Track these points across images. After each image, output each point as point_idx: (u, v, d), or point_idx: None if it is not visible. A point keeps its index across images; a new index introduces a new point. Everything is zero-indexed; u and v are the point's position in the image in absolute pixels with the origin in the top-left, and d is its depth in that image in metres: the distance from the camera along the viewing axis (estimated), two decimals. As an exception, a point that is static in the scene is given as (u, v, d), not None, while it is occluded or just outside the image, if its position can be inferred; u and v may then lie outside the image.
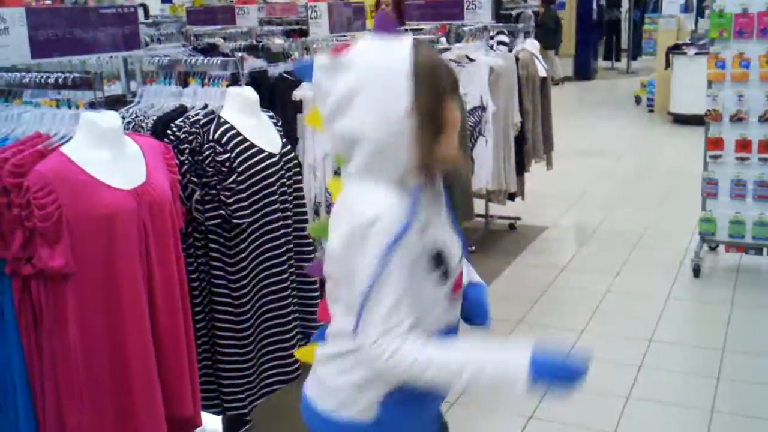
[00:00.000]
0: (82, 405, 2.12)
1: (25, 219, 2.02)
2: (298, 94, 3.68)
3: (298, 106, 3.69)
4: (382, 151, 1.51)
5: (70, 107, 2.22)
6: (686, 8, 11.83)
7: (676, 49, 10.45)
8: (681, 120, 9.92)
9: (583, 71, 15.20)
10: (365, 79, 1.50)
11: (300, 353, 1.83)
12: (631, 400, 3.46)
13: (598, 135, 9.90)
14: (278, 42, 5.62)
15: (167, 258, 2.27)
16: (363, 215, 1.50)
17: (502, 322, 4.07)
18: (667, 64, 10.67)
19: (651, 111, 11.37)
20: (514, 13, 11.19)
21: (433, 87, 1.52)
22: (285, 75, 3.76)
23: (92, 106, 2.22)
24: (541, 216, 6.16)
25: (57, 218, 2.01)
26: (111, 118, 2.20)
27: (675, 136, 9.45)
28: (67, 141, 2.14)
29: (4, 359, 2.15)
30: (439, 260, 1.58)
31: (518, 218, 6.01)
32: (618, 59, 17.11)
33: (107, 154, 2.15)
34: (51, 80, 2.24)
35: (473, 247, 5.30)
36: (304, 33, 6.07)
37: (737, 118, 4.86)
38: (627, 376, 3.66)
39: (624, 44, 17.09)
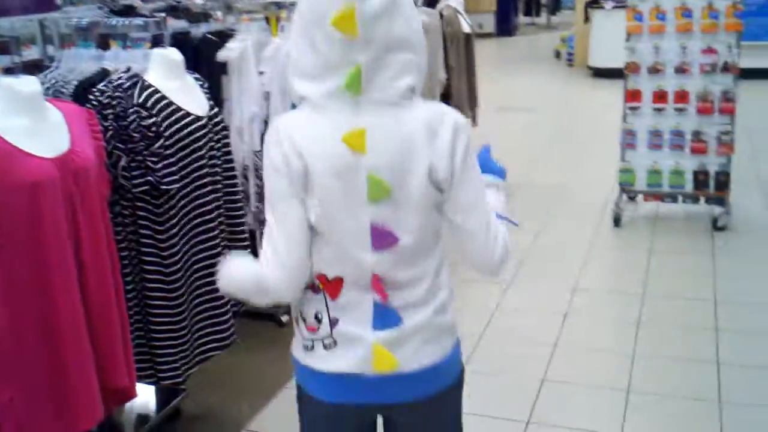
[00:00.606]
0: (14, 380, 2.08)
1: (-57, 191, 1.95)
2: (222, 55, 3.61)
3: (223, 68, 3.63)
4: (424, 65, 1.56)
5: (-15, 74, 2.14)
6: (604, -38, 11.99)
7: (594, 3, 10.65)
8: (600, 74, 10.16)
9: (504, 27, 15.35)
10: None
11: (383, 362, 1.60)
12: (558, 349, 3.59)
13: (519, 90, 10.06)
14: (198, 2, 5.48)
15: (95, 227, 2.22)
16: (465, 127, 1.56)
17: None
18: (586, 19, 10.87)
19: (570, 65, 11.61)
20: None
21: None
22: (209, 36, 3.68)
23: (9, 71, 2.14)
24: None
25: (-23, 189, 1.95)
26: (30, 83, 2.12)
27: (594, 89, 9.67)
28: (-17, 110, 2.06)
29: (-71, 336, 2.09)
30: None
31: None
32: (538, 14, 17.33)
33: (27, 121, 2.07)
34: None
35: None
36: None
37: (654, 70, 5.01)
38: (552, 325, 3.79)
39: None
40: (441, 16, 5.34)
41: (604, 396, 3.22)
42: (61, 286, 2.11)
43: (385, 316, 1.58)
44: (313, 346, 1.63)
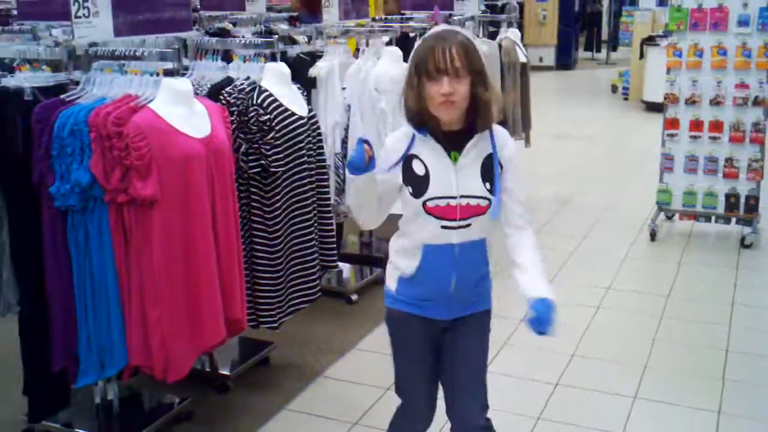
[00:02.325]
0: (162, 303, 2.77)
1: (123, 158, 2.66)
2: (312, 72, 4.32)
3: (312, 82, 4.34)
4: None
5: (151, 75, 2.87)
6: (661, 2, 12.50)
7: (650, 40, 11.15)
8: (653, 107, 10.61)
9: (564, 61, 15.89)
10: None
11: None
12: (588, 333, 4.16)
13: (576, 120, 10.61)
14: (283, 27, 6.23)
15: (225, 194, 2.92)
16: None
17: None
18: (642, 55, 11.37)
19: (626, 99, 12.09)
20: (499, 3, 11.81)
21: (415, 68, 2.17)
22: (302, 55, 4.40)
23: (169, 73, 2.86)
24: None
25: (148, 158, 2.66)
26: (185, 83, 2.85)
27: (645, 122, 10.17)
28: (152, 100, 2.78)
29: (101, 269, 2.79)
30: (411, 179, 2.20)
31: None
32: (598, 50, 17.81)
33: (183, 110, 2.79)
34: (138, 53, 2.88)
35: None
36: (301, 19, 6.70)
37: (691, 101, 5.57)
38: (586, 314, 4.37)
39: (604, 36, 17.80)
40: (500, 46, 6.00)
41: (626, 370, 3.78)
42: (200, 234, 2.81)
43: None
44: None
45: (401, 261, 2.31)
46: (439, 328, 2.35)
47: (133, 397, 3.45)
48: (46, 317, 2.87)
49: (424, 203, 2.21)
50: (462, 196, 2.21)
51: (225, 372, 3.62)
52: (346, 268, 4.83)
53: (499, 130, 2.28)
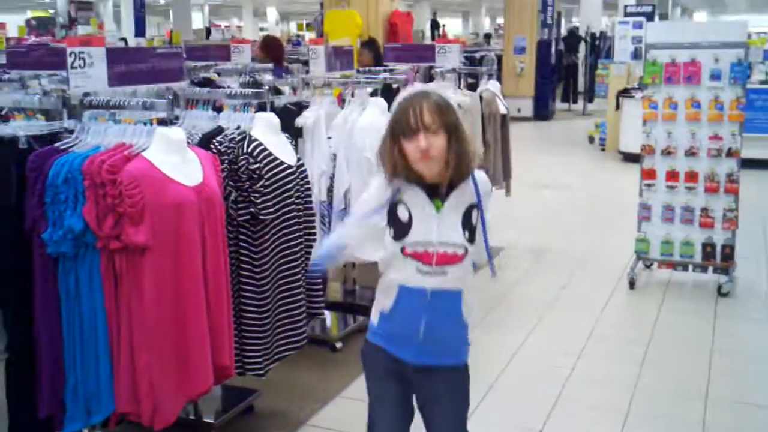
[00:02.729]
0: (151, 349, 2.80)
1: (117, 206, 2.71)
2: (299, 121, 4.41)
3: (299, 131, 4.42)
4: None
5: (145, 124, 2.93)
6: (635, 55, 12.85)
7: (625, 92, 11.43)
8: (629, 158, 10.83)
9: (542, 112, 16.20)
10: None
11: None
12: (570, 380, 4.21)
13: (554, 170, 10.79)
14: (268, 78, 6.35)
15: (216, 241, 2.96)
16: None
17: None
18: (617, 107, 11.64)
19: (603, 149, 12.33)
20: (478, 56, 12.07)
21: (391, 130, 2.29)
22: (289, 105, 4.49)
23: (162, 123, 2.93)
24: (499, 237, 6.92)
25: (141, 205, 2.71)
26: (178, 132, 2.91)
27: (622, 172, 10.36)
28: (145, 149, 2.83)
29: (90, 315, 2.82)
30: (394, 223, 2.29)
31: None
32: (575, 101, 18.18)
33: (176, 158, 2.85)
34: (132, 103, 2.95)
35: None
36: (286, 70, 6.84)
37: (667, 152, 5.71)
38: (568, 361, 4.42)
39: (581, 88, 18.20)
40: (481, 98, 6.14)
41: (607, 416, 3.82)
42: (190, 281, 2.84)
43: None
44: None
45: (381, 298, 2.42)
46: (409, 370, 2.40)
47: (118, 445, 3.43)
48: (34, 363, 2.88)
49: (402, 247, 2.30)
50: (440, 243, 2.29)
51: (209, 420, 3.61)
52: (328, 315, 4.86)
53: (480, 176, 2.37)
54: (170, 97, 3.01)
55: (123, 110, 3.01)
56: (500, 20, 31.69)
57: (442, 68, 6.16)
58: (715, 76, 5.51)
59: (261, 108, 3.52)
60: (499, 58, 15.66)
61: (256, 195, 3.25)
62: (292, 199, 3.42)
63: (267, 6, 38.81)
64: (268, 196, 3.28)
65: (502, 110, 6.34)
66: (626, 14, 15.45)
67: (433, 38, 21.43)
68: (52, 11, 22.33)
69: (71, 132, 2.98)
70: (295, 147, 4.21)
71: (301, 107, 4.57)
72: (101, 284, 2.80)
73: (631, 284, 5.76)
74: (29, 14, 25.81)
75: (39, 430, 3.00)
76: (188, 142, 3.15)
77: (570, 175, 10.52)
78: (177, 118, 3.54)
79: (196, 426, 3.59)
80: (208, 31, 25.38)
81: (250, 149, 3.27)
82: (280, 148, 3.43)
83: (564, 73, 18.05)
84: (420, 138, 2.22)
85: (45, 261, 2.79)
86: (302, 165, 3.56)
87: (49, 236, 2.73)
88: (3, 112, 3.27)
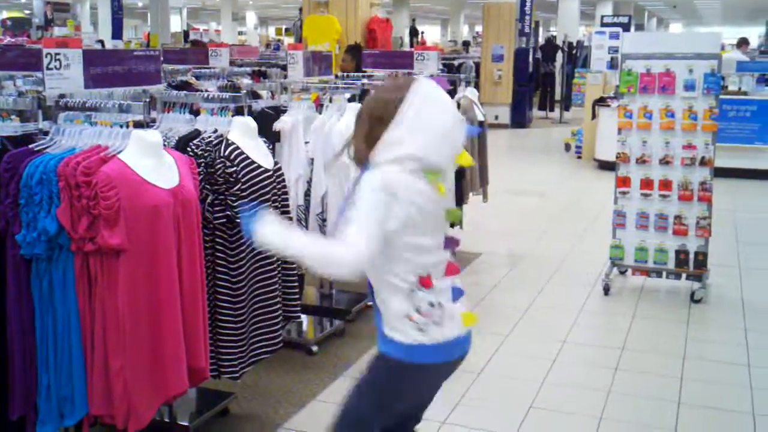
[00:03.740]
0: (125, 351, 2.78)
1: (92, 207, 2.70)
2: (277, 125, 4.41)
3: (277, 135, 4.42)
4: None
5: (121, 126, 2.92)
6: (612, 65, 12.98)
7: (601, 101, 11.54)
8: (604, 166, 10.94)
9: (519, 119, 16.30)
10: None
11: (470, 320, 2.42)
12: (545, 385, 4.23)
13: (530, 177, 10.86)
14: (246, 82, 6.34)
15: (192, 243, 2.96)
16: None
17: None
18: (594, 115, 11.75)
19: (579, 157, 12.43)
20: (456, 63, 12.16)
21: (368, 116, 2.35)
22: (266, 110, 4.49)
23: (138, 125, 2.92)
24: (476, 244, 6.96)
25: (117, 207, 2.70)
26: (154, 135, 2.90)
27: (598, 179, 10.46)
28: (121, 151, 2.83)
29: (64, 317, 2.80)
30: None
31: (456, 244, 6.79)
32: (552, 109, 18.31)
33: (152, 161, 2.84)
34: (109, 105, 2.94)
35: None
36: (263, 74, 6.85)
37: (642, 161, 5.77)
38: (542, 367, 4.44)
39: (558, 96, 18.34)
40: (458, 105, 6.17)
41: (581, 422, 3.85)
42: (166, 283, 2.84)
43: (455, 291, 2.39)
44: (425, 328, 2.32)
45: (412, 302, 2.43)
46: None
47: (91, 449, 3.41)
48: (6, 365, 2.85)
49: None
50: None
51: (184, 423, 3.60)
52: (305, 319, 4.85)
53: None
54: (147, 99, 2.99)
55: (99, 112, 3.00)
56: (478, 28, 31.93)
57: (421, 74, 6.18)
58: (689, 87, 5.58)
59: (239, 112, 3.52)
60: (477, 66, 15.78)
61: (233, 198, 3.25)
62: (269, 203, 3.42)
63: (246, 10, 38.79)
64: (245, 200, 3.28)
65: (480, 117, 6.38)
66: (603, 24, 15.66)
67: (411, 45, 21.51)
68: (27, 12, 22.18)
69: (46, 133, 2.97)
70: (273, 151, 4.23)
71: (279, 111, 4.57)
72: (75, 286, 2.78)
73: (606, 290, 5.81)
74: (5, 14, 25.59)
75: (11, 431, 2.98)
76: (165, 145, 3.15)
77: (546, 182, 10.59)
78: (154, 120, 3.54)
79: (171, 428, 3.57)
80: (186, 35, 25.29)
81: (227, 153, 3.27)
82: (258, 151, 3.43)
83: (541, 81, 18.18)
84: None
85: (18, 262, 2.77)
86: (279, 169, 3.57)
87: (23, 237, 2.71)
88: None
